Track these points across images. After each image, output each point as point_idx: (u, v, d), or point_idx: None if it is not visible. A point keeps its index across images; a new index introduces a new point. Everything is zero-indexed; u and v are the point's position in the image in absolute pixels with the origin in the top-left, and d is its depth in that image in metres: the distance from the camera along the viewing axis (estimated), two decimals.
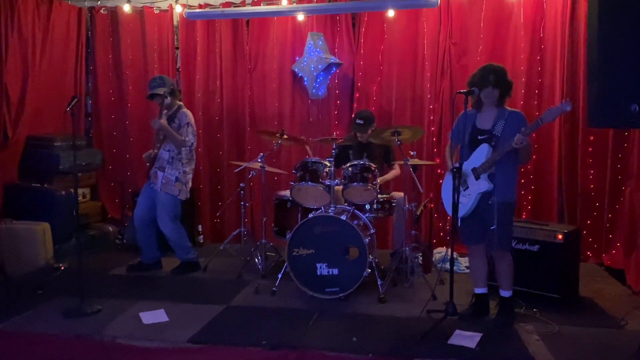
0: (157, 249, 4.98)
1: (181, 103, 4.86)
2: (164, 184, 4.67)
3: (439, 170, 5.57)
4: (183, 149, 4.67)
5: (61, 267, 4.92)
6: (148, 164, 4.78)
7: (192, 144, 4.75)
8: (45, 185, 5.42)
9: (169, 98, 4.60)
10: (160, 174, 4.68)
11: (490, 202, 3.51)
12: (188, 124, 4.68)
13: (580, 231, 4.34)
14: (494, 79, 3.49)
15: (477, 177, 3.55)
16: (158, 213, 4.74)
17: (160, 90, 4.59)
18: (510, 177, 3.55)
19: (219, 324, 3.70)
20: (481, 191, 3.55)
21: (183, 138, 4.63)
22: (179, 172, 4.71)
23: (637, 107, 2.53)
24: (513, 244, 4.05)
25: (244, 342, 3.38)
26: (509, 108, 3.60)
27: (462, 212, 3.59)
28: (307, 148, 5.17)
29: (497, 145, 3.47)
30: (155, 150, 4.70)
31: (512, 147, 3.37)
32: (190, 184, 4.86)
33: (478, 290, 3.83)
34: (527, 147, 3.44)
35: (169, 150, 4.68)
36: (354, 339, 3.38)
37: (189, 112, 4.75)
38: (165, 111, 4.59)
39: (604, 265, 5.03)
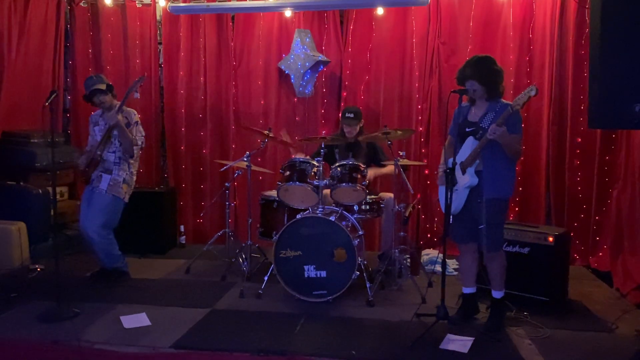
0: (118, 249, 4.61)
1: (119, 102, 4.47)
2: (111, 185, 4.36)
3: (426, 171, 5.52)
4: (134, 148, 4.40)
5: (37, 268, 4.73)
6: (87, 168, 4.37)
7: (142, 143, 4.50)
8: (21, 183, 5.22)
9: (109, 95, 4.35)
10: (106, 176, 4.36)
11: (479, 200, 3.44)
12: (137, 122, 4.42)
13: (570, 233, 4.32)
14: (469, 72, 3.44)
15: (463, 172, 3.49)
16: (91, 217, 4.34)
17: (102, 86, 4.31)
18: (501, 173, 3.43)
19: (203, 329, 3.58)
20: (466, 185, 3.48)
21: (134, 136, 4.37)
22: (127, 174, 4.44)
23: None
24: (503, 246, 4.00)
25: (230, 348, 3.27)
26: (504, 101, 3.50)
27: (452, 209, 3.51)
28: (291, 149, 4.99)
29: (483, 138, 3.39)
30: (99, 152, 4.33)
31: (487, 139, 3.30)
32: (133, 186, 4.57)
33: (466, 290, 3.77)
34: (509, 141, 3.30)
35: (114, 152, 4.38)
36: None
37: (135, 111, 4.48)
38: (116, 106, 4.30)
39: (590, 268, 5.02)
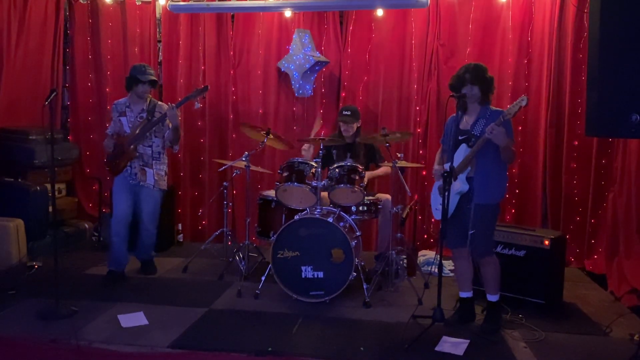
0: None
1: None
2: (157, 180, 4.50)
3: (423, 172, 5.54)
4: (163, 140, 4.51)
5: (35, 265, 4.74)
6: (118, 160, 4.42)
7: None
8: (19, 180, 5.22)
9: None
10: (149, 170, 4.46)
11: (468, 206, 3.47)
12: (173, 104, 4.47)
13: (565, 237, 4.35)
14: (470, 77, 3.46)
15: (455, 178, 3.51)
16: (149, 213, 4.53)
17: (155, 78, 4.43)
18: (492, 179, 3.47)
19: (200, 328, 3.60)
20: (457, 192, 3.51)
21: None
22: (165, 166, 4.59)
23: (638, 117, 2.50)
24: (499, 249, 4.05)
25: (227, 348, 3.28)
26: (493, 107, 3.54)
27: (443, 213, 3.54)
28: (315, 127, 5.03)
29: (479, 140, 3.41)
30: (132, 147, 4.39)
31: (484, 140, 3.32)
32: None
33: (463, 295, 3.80)
34: (507, 142, 3.32)
35: (150, 146, 4.47)
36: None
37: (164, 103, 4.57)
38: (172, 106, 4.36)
39: (585, 270, 5.05)
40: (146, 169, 4.46)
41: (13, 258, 4.69)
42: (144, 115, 4.45)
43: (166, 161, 4.62)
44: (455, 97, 3.46)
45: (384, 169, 4.92)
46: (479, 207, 3.44)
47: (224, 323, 3.70)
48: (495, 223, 3.62)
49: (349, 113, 4.75)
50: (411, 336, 3.38)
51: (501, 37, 5.28)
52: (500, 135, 3.27)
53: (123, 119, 4.50)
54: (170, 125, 4.43)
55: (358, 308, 3.98)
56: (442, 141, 3.81)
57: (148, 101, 4.49)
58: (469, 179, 3.50)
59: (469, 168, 3.48)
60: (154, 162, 4.49)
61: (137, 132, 4.40)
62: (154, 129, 4.44)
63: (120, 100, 4.60)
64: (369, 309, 3.97)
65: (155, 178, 4.49)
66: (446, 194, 3.37)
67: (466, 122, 3.57)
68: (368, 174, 4.71)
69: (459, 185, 3.50)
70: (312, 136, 4.93)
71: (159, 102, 4.56)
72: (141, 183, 4.47)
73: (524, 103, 3.20)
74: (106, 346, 3.30)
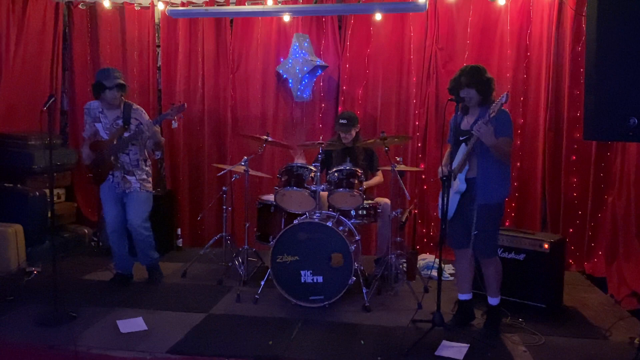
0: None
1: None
2: (142, 183, 4.46)
3: (423, 176, 5.54)
4: (141, 147, 4.44)
5: (34, 271, 4.72)
6: (99, 170, 4.37)
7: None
8: (18, 185, 5.22)
9: (123, 94, 4.36)
10: (131, 178, 4.41)
11: (471, 207, 3.47)
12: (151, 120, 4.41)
13: (565, 240, 4.34)
14: (465, 80, 3.45)
15: (454, 178, 3.52)
16: (137, 214, 4.45)
17: (124, 82, 4.29)
18: (493, 178, 3.44)
19: (199, 334, 3.59)
20: (456, 191, 3.51)
21: (162, 138, 4.45)
22: (147, 170, 4.53)
23: (636, 120, 2.50)
24: (499, 253, 4.02)
25: (226, 353, 3.27)
26: None
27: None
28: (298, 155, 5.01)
29: (472, 138, 3.41)
30: (112, 157, 4.31)
31: (476, 138, 3.32)
32: None
33: (462, 297, 3.79)
34: (495, 142, 3.29)
35: (128, 154, 4.40)
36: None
37: (142, 108, 4.49)
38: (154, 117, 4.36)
39: (585, 274, 5.04)
40: (128, 177, 4.41)
41: (12, 264, 4.70)
42: (120, 122, 4.34)
43: (147, 165, 4.53)
44: (454, 102, 3.46)
45: (377, 179, 4.90)
46: (481, 207, 3.43)
47: (223, 328, 3.69)
48: (498, 223, 3.61)
49: (345, 122, 4.72)
50: (411, 340, 3.37)
51: (499, 41, 5.28)
52: (486, 133, 3.26)
53: (98, 125, 4.41)
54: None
55: (357, 312, 3.98)
56: (449, 140, 3.80)
57: (122, 107, 4.38)
58: (470, 179, 3.49)
59: (467, 167, 3.48)
60: (134, 169, 4.42)
61: (115, 142, 4.31)
62: (126, 136, 4.33)
63: (92, 103, 4.43)
64: (368, 313, 3.96)
65: (140, 182, 4.44)
66: (445, 197, 3.38)
67: (467, 122, 3.58)
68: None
69: (457, 184, 3.51)
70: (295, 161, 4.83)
71: (134, 106, 4.41)
72: (127, 191, 4.43)
73: (504, 99, 3.19)
74: (105, 352, 3.29)
